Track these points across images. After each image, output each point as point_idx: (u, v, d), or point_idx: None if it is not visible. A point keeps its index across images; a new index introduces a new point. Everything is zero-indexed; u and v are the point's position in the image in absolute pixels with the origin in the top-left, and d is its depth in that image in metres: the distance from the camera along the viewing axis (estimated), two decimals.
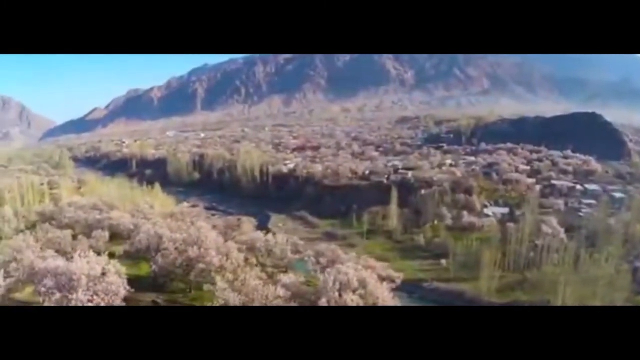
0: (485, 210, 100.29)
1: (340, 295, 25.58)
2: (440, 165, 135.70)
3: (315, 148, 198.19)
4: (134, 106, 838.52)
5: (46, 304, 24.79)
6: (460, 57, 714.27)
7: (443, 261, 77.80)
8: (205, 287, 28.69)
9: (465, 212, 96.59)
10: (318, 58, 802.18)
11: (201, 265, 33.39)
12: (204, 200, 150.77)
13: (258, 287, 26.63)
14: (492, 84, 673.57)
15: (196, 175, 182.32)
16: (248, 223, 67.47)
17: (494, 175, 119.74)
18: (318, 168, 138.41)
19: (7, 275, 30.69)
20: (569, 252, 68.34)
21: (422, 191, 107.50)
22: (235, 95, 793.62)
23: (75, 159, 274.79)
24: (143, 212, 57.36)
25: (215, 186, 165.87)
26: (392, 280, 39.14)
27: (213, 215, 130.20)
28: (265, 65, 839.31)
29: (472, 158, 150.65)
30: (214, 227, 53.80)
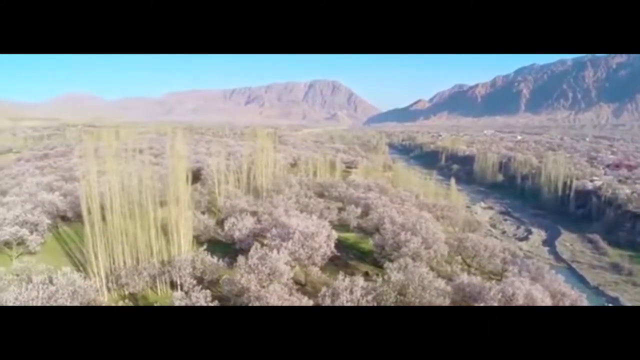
0: None
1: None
2: None
3: (632, 167, 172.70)
4: (457, 101, 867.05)
5: (269, 246, 33.24)
6: None
7: None
8: (386, 265, 32.55)
9: None
10: None
11: (404, 249, 37.41)
12: (501, 204, 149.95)
13: (422, 275, 29.14)
14: None
15: (500, 177, 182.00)
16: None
17: None
18: (625, 190, 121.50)
19: (257, 222, 41.54)
20: None
21: None
22: (562, 100, 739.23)
23: (391, 145, 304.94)
24: (401, 198, 63.75)
25: (515, 192, 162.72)
26: None
27: (505, 220, 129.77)
28: (595, 69, 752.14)
29: None
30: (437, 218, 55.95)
